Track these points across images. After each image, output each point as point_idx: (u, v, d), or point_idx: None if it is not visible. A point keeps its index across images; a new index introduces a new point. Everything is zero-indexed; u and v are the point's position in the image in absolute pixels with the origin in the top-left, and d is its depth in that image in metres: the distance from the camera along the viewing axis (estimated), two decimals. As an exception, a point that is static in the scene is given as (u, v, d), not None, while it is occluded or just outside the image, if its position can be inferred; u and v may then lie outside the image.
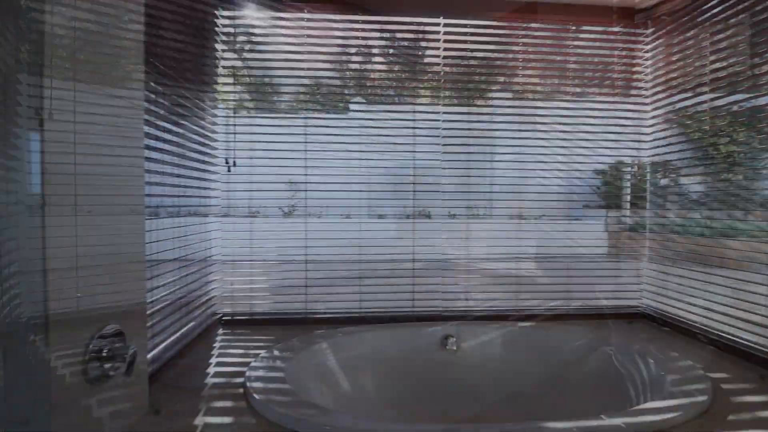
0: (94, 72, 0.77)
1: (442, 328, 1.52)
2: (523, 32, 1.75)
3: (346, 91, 1.85)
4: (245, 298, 1.66)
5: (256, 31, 1.72)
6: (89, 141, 0.75)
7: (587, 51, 1.83)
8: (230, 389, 1.05)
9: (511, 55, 1.82)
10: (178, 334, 1.27)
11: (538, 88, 1.88)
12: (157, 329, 1.14)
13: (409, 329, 1.53)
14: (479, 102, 1.90)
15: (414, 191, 1.70)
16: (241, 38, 1.70)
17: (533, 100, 1.88)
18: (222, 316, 1.62)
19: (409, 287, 1.67)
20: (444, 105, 1.76)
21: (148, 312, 1.02)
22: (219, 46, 1.63)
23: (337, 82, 1.82)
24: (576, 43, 1.79)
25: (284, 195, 1.71)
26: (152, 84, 1.15)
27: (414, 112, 1.74)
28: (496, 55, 1.81)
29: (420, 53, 1.81)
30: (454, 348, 1.48)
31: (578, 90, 1.85)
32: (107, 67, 0.83)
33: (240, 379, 1.10)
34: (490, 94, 1.90)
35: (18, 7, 0.63)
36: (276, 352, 1.23)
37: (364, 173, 1.69)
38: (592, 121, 1.76)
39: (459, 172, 1.76)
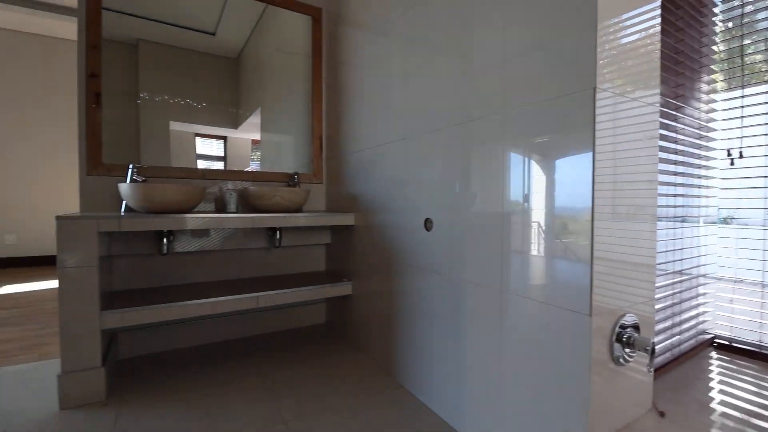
0: (624, 79, 0.85)
1: None
2: None
3: None
4: (751, 324, 1.31)
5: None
6: (621, 147, 0.84)
7: None
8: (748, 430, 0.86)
9: None
10: (667, 342, 1.20)
11: None
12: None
13: None
14: None
15: None
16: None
17: None
18: (715, 338, 1.37)
19: None
20: None
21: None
22: (717, 18, 1.36)
23: None
24: None
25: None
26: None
27: None
28: None
29: None
30: None
31: None
32: (636, 70, 0.88)
33: (760, 422, 0.88)
34: None
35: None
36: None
37: None
38: None
39: None
